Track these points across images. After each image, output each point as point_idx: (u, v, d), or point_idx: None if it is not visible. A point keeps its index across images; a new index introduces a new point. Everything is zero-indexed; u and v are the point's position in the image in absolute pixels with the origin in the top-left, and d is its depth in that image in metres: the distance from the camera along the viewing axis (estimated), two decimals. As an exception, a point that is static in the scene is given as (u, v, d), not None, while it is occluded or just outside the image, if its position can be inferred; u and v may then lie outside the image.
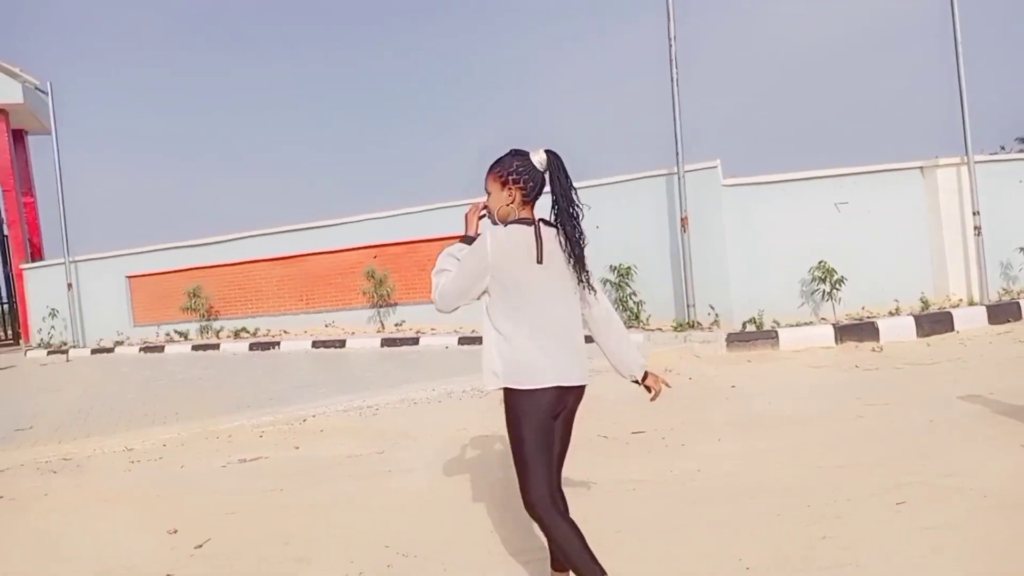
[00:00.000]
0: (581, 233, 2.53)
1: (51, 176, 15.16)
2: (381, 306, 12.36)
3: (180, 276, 14.29)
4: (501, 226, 2.46)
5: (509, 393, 2.37)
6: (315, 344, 11.72)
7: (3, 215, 16.61)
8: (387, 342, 11.10)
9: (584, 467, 4.40)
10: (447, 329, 11.43)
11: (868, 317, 9.00)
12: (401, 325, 12.18)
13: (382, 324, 12.38)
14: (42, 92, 15.13)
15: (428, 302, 11.11)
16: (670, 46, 9.54)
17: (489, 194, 2.54)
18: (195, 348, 12.97)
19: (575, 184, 2.63)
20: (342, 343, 11.46)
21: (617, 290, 10.08)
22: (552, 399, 2.38)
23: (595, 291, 2.59)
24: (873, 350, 7.89)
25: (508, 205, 2.49)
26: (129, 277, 14.96)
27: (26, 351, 15.36)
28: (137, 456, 5.64)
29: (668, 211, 9.98)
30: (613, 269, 10.09)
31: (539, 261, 2.40)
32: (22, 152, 17.42)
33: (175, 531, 3.80)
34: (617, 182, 10.45)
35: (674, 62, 9.54)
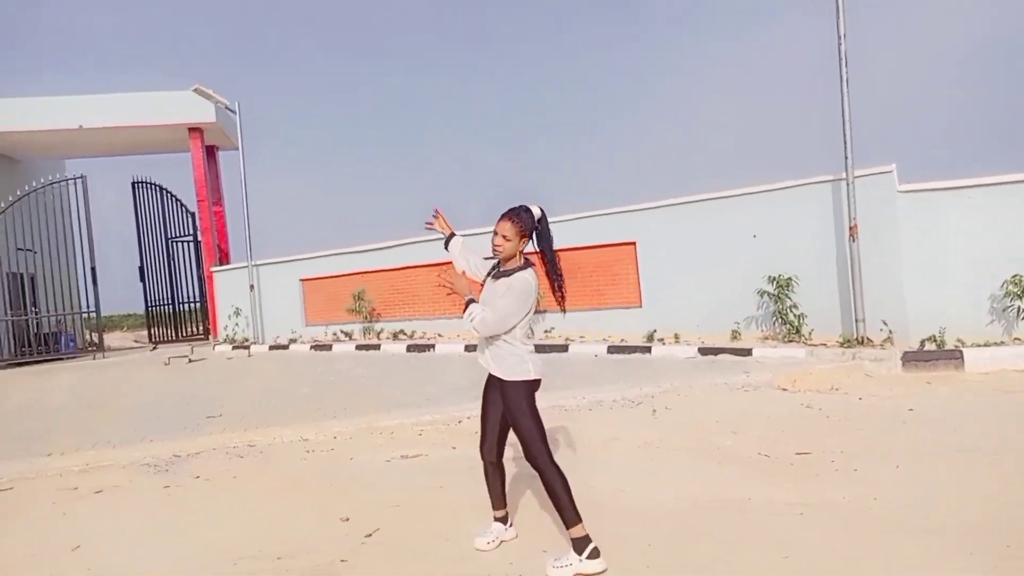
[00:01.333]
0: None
1: (237, 187, 16.80)
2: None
3: (347, 280, 15.30)
4: (530, 270, 3.36)
5: (527, 383, 3.34)
6: (467, 348, 12.10)
7: (198, 223, 18.58)
8: (536, 348, 11.23)
9: (743, 486, 4.24)
10: (596, 337, 11.42)
11: (1074, 338, 7.98)
12: (550, 332, 12.32)
13: (531, 330, 12.54)
14: (231, 111, 16.76)
15: (577, 309, 11.09)
16: (839, 44, 8.96)
17: (505, 237, 3.35)
18: (359, 348, 13.82)
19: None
20: (493, 348, 11.75)
21: (776, 302, 9.62)
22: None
23: None
24: (1081, 376, 6.98)
25: (520, 251, 3.40)
26: (302, 280, 16.22)
27: (214, 345, 17.04)
28: (311, 447, 6.09)
29: (834, 219, 9.39)
30: (771, 280, 9.63)
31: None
32: (213, 166, 19.42)
33: (347, 519, 4.08)
34: (777, 189, 9.98)
35: (844, 60, 8.96)
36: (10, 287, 17.21)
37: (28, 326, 17.40)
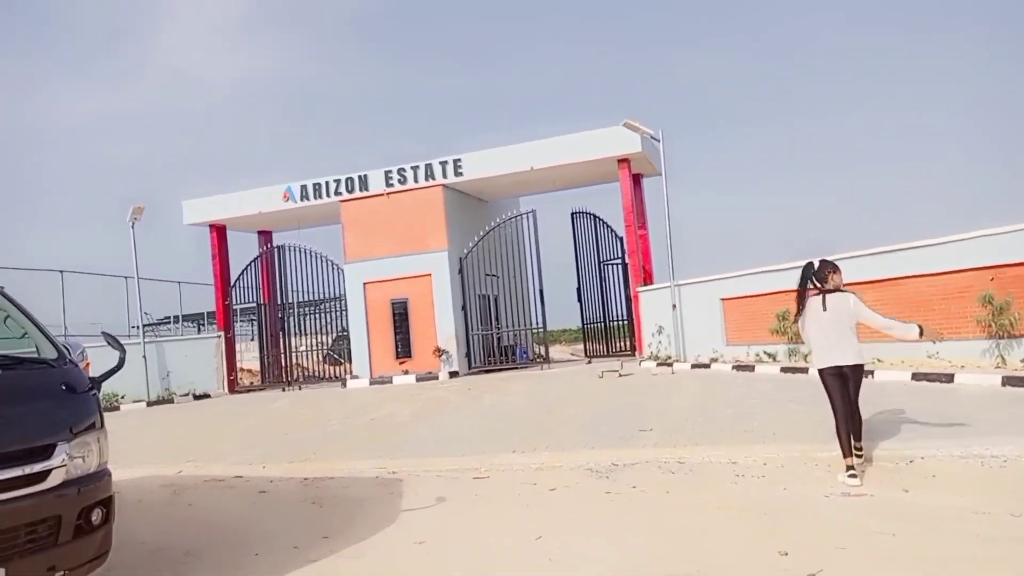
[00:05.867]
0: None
1: (660, 212, 17.59)
2: (1001, 338, 10.44)
3: (768, 299, 14.74)
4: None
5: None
6: (914, 376, 10.62)
7: (625, 247, 20.01)
8: (1011, 380, 9.29)
9: None
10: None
11: None
12: (1030, 361, 10.08)
13: (1002, 359, 10.44)
14: (655, 140, 17.69)
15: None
16: None
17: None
18: (784, 370, 13.18)
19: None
20: (949, 377, 10.08)
21: None
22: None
23: None
24: None
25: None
26: (723, 300, 16.19)
27: (640, 361, 18.05)
28: (740, 470, 6.00)
29: None
30: None
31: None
32: (638, 193, 20.72)
33: (786, 553, 3.88)
34: None
35: None
36: (480, 307, 20.82)
37: (493, 339, 20.86)
